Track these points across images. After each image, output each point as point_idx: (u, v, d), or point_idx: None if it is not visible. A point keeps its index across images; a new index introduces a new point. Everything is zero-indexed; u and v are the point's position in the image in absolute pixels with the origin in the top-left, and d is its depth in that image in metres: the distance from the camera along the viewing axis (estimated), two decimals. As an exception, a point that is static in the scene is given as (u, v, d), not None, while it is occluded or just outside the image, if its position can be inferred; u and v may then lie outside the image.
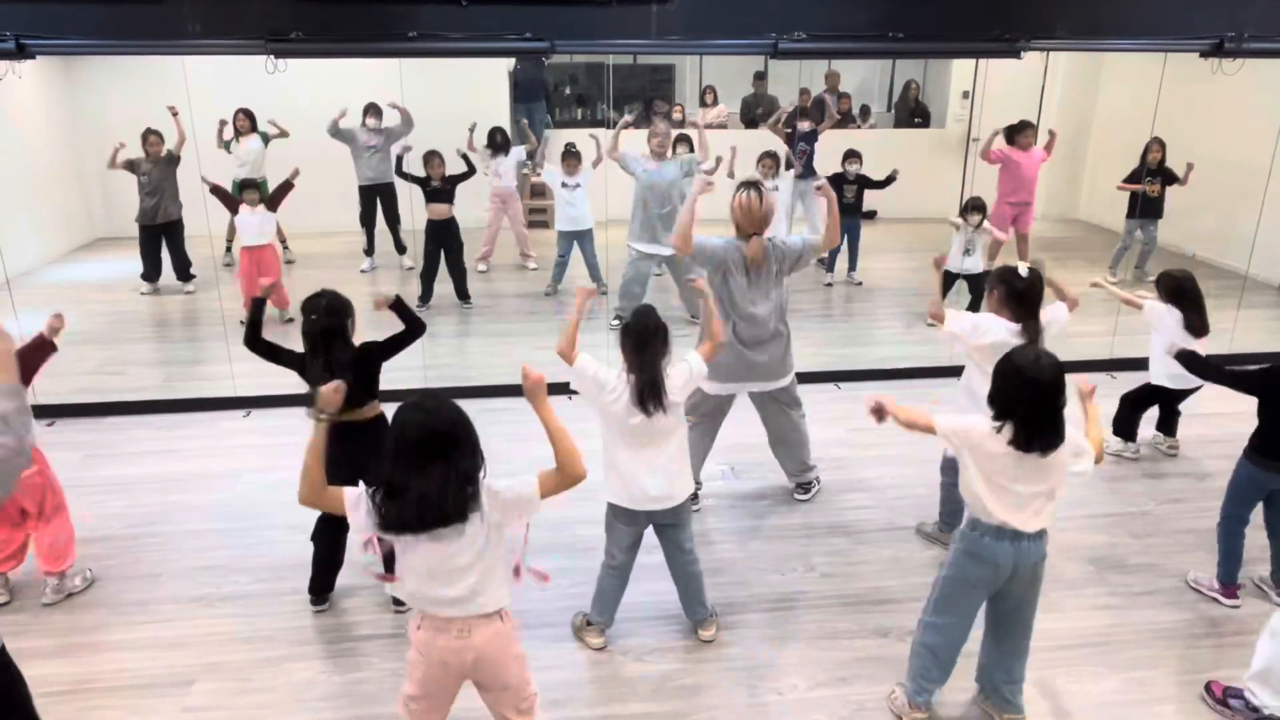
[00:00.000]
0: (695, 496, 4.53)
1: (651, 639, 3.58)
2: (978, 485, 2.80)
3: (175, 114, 7.17)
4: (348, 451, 3.60)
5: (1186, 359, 3.85)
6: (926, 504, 4.40)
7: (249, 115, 8.18)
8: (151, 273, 7.92)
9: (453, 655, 2.49)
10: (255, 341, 3.64)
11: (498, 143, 8.30)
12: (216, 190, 6.86)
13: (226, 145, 8.08)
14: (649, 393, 3.17)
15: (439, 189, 7.36)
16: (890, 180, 7.93)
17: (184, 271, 7.95)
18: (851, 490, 4.74)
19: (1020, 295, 3.71)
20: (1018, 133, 7.82)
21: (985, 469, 2.79)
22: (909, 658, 3.14)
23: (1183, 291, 4.65)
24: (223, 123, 8.05)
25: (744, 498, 4.68)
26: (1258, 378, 3.60)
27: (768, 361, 4.26)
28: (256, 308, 3.68)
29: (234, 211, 6.94)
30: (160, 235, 7.79)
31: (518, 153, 8.41)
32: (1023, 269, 3.77)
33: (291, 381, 3.79)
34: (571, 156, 7.73)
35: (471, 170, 7.62)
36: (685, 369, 3.35)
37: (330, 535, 3.71)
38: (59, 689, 3.30)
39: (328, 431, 2.57)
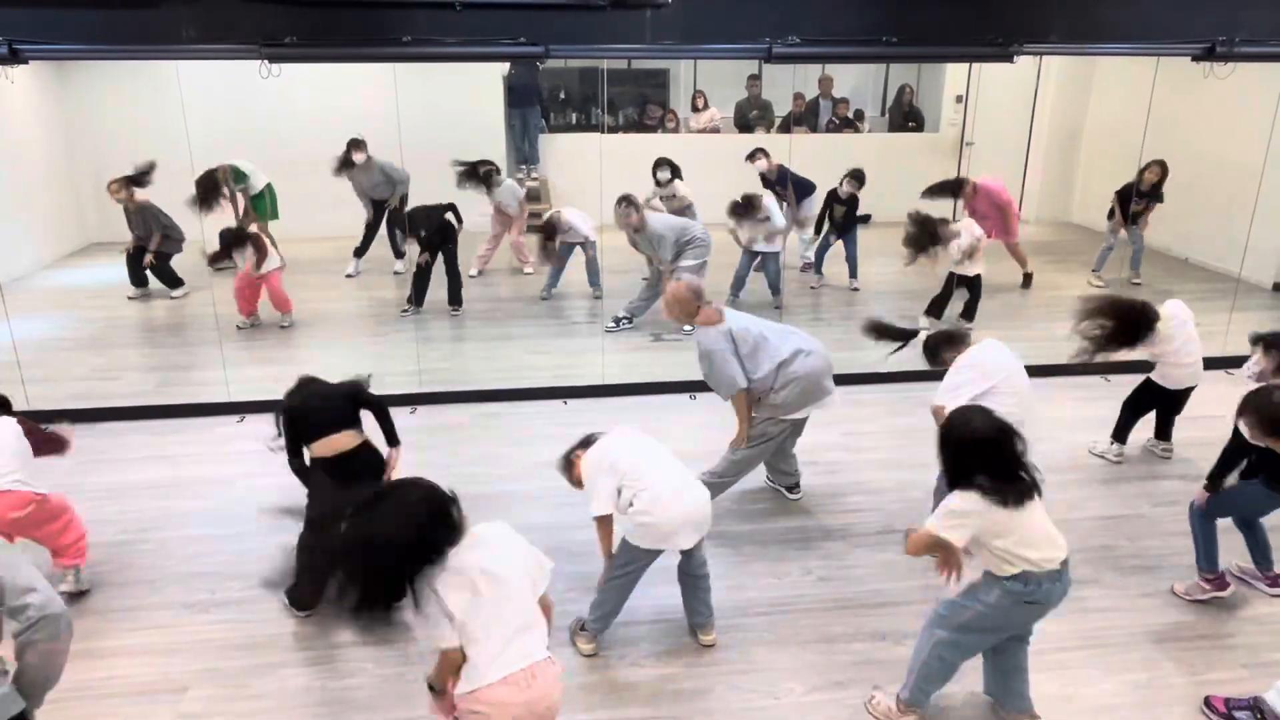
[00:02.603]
0: None
1: (648, 644, 3.58)
2: (1014, 547, 2.78)
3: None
4: (344, 479, 3.60)
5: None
6: (922, 507, 4.39)
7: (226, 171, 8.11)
8: (138, 281, 7.92)
9: (520, 709, 2.36)
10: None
11: (479, 175, 8.15)
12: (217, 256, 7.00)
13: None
14: None
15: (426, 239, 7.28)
16: (865, 219, 8.08)
17: (173, 284, 7.95)
18: (847, 494, 4.74)
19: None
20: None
21: (1003, 528, 2.76)
22: (916, 663, 3.07)
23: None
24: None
25: (741, 501, 4.67)
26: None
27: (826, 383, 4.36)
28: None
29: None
30: (144, 255, 7.80)
31: (511, 185, 8.33)
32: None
33: (286, 387, 3.79)
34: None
35: (451, 207, 7.54)
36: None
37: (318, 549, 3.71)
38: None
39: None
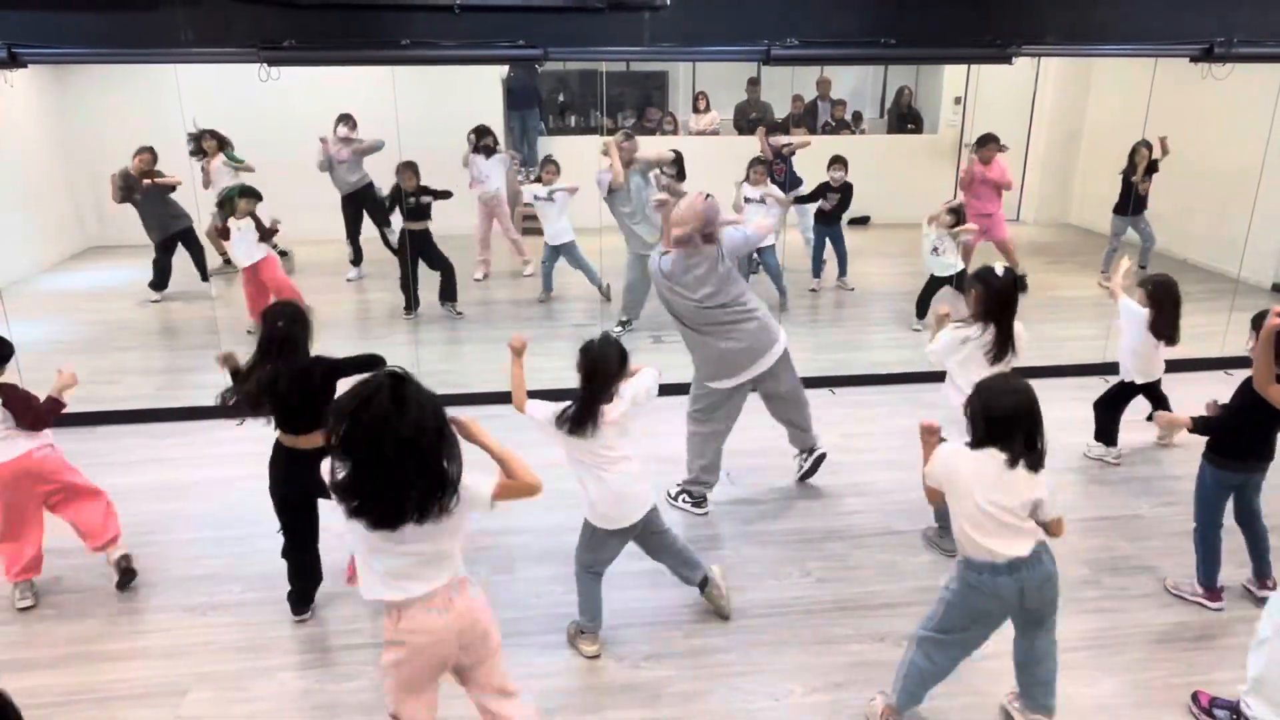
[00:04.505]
0: (704, 500, 4.55)
1: (646, 645, 3.58)
2: (969, 529, 2.82)
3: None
4: (298, 477, 3.48)
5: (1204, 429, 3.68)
6: (922, 508, 4.38)
7: (216, 136, 8.13)
8: (160, 282, 7.93)
9: (442, 632, 2.46)
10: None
11: (486, 145, 8.26)
12: (219, 232, 6.90)
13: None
14: (586, 414, 3.30)
15: (415, 207, 7.25)
16: (864, 220, 7.96)
17: (205, 272, 7.96)
18: (847, 495, 4.74)
19: (997, 294, 3.79)
20: (980, 145, 7.84)
21: (965, 501, 2.83)
22: (901, 668, 3.07)
23: (1163, 298, 4.71)
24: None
25: (740, 503, 4.68)
26: (1239, 397, 3.58)
27: (749, 345, 4.34)
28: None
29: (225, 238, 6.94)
30: (175, 243, 7.81)
31: (502, 156, 8.41)
32: (999, 268, 3.85)
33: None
34: (549, 165, 7.77)
35: (447, 194, 7.47)
36: (636, 384, 3.43)
37: (298, 553, 3.71)
38: (52, 700, 3.28)
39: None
